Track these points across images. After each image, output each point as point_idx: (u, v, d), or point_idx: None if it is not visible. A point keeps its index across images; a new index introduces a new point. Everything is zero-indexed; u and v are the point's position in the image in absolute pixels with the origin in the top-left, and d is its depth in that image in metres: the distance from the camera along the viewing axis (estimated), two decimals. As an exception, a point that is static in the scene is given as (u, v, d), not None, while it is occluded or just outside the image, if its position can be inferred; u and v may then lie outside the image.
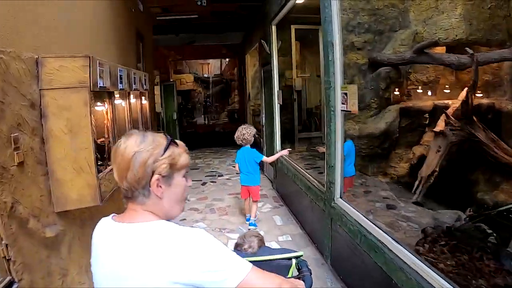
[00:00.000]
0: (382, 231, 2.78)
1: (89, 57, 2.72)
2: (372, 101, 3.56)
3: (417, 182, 3.37)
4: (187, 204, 6.47)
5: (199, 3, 7.28)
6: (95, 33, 3.83)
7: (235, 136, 4.89)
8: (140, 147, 1.05)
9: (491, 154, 3.17)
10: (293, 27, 6.69)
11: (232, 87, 15.17)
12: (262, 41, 6.78)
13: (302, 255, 1.51)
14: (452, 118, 3.19)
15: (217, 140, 12.41)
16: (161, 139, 1.10)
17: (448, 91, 3.90)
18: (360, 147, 3.75)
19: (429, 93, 3.82)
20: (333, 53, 3.42)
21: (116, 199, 3.35)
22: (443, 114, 3.33)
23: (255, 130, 4.96)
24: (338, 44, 3.36)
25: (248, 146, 4.90)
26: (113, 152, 1.10)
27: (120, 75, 3.71)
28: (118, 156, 1.07)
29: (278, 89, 6.63)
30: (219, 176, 8.53)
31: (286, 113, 7.16)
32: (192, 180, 9.31)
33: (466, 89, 3.54)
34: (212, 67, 16.26)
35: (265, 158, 4.97)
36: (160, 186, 1.07)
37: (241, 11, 8.47)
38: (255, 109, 10.75)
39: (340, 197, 3.59)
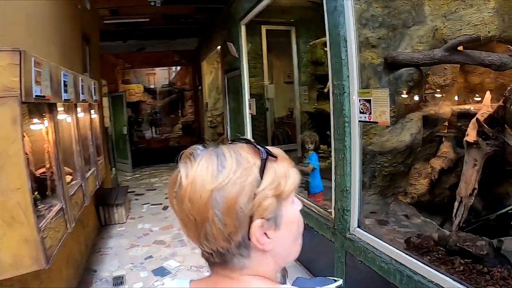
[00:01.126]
0: (441, 273, 2.14)
1: (20, 52, 1.82)
2: (390, 108, 2.98)
3: (456, 204, 2.85)
4: (149, 236, 5.43)
5: (152, 3, 6.35)
6: (33, 27, 2.83)
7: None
8: (219, 180, 0.64)
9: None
10: (263, 28, 6.03)
11: (185, 98, 14.14)
12: (228, 43, 6.03)
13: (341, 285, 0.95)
14: (486, 126, 2.72)
15: (172, 155, 11.07)
16: (249, 155, 0.68)
17: (458, 96, 3.50)
18: (383, 165, 3.16)
19: (442, 97, 3.39)
20: (346, 51, 2.78)
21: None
22: (473, 122, 2.84)
23: None
24: (353, 39, 2.73)
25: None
26: (171, 194, 0.70)
27: (64, 81, 2.74)
28: (183, 201, 0.66)
29: (249, 97, 5.90)
30: (181, 197, 7.52)
31: (258, 124, 6.46)
32: (151, 205, 8.18)
33: (488, 92, 3.11)
34: (158, 76, 15.08)
35: None
36: (267, 235, 0.67)
37: (197, 14, 7.68)
38: (213, 120, 9.91)
39: (359, 227, 2.93)
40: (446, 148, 3.30)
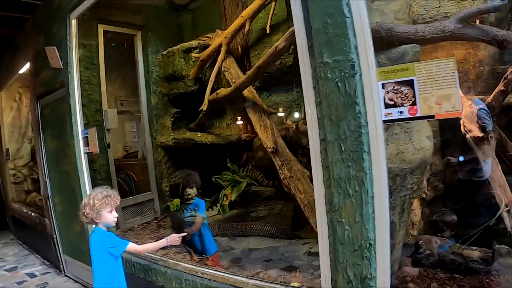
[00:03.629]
0: None
1: None
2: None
3: (505, 214, 2.04)
4: None
5: None
6: None
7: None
8: None
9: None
10: (101, 28, 4.12)
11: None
12: (48, 48, 3.77)
13: None
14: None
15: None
16: None
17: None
18: (413, 189, 2.01)
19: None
20: (349, 8, 1.61)
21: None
22: (466, 115, 2.22)
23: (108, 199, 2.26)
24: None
25: (101, 226, 2.30)
26: None
27: None
28: None
29: (83, 128, 3.79)
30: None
31: (97, 168, 4.31)
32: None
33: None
34: None
35: (133, 246, 2.37)
36: None
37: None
38: (17, 173, 6.61)
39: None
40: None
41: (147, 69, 4.67)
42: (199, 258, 3.03)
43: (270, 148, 2.93)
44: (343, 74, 1.65)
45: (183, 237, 2.54)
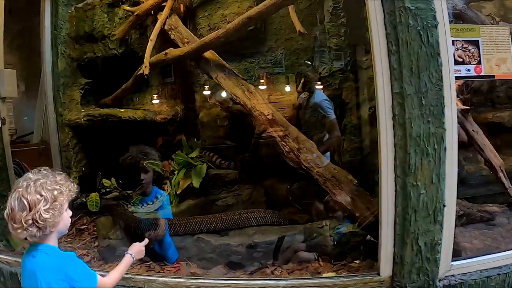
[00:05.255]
0: None
1: None
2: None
3: (501, 175, 2.22)
4: None
5: None
6: None
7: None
8: None
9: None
10: None
11: None
12: None
13: None
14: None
15: None
16: None
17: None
18: None
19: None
20: None
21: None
22: None
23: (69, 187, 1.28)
24: None
25: (51, 244, 1.25)
26: None
27: None
28: None
29: None
30: None
31: None
32: None
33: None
34: None
35: (102, 280, 1.31)
36: None
37: None
38: None
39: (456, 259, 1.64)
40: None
41: (55, 24, 3.24)
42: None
43: (268, 115, 2.23)
44: (425, 23, 1.54)
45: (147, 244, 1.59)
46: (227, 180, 2.98)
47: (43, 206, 1.17)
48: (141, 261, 2.03)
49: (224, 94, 3.08)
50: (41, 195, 1.18)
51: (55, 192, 1.21)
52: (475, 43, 1.69)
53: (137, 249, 1.52)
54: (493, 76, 1.75)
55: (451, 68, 1.58)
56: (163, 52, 2.91)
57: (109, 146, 3.26)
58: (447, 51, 1.58)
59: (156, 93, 3.81)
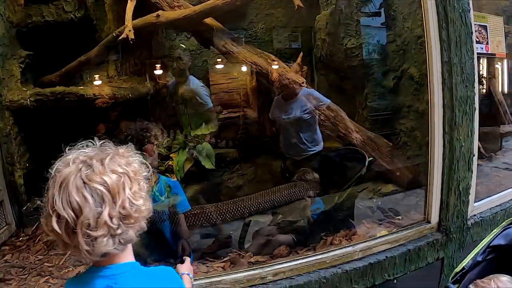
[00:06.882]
0: None
1: None
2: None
3: None
4: None
5: None
6: None
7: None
8: None
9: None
10: None
11: None
12: None
13: None
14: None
15: None
16: None
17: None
18: None
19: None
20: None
21: None
22: None
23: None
24: None
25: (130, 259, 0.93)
26: None
27: None
28: None
29: None
30: None
31: None
32: None
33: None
34: None
35: None
36: None
37: None
38: None
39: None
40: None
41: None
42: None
43: (302, 83, 2.13)
44: (463, 7, 1.89)
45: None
46: (229, 159, 2.89)
47: (129, 188, 0.81)
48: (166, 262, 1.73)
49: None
50: (120, 173, 0.81)
51: (135, 165, 0.87)
52: (485, 28, 2.16)
53: (188, 267, 1.27)
54: (495, 55, 2.26)
55: (474, 45, 1.98)
56: (153, 14, 2.64)
57: (56, 134, 2.67)
58: (473, 32, 1.97)
59: (115, 68, 3.39)
